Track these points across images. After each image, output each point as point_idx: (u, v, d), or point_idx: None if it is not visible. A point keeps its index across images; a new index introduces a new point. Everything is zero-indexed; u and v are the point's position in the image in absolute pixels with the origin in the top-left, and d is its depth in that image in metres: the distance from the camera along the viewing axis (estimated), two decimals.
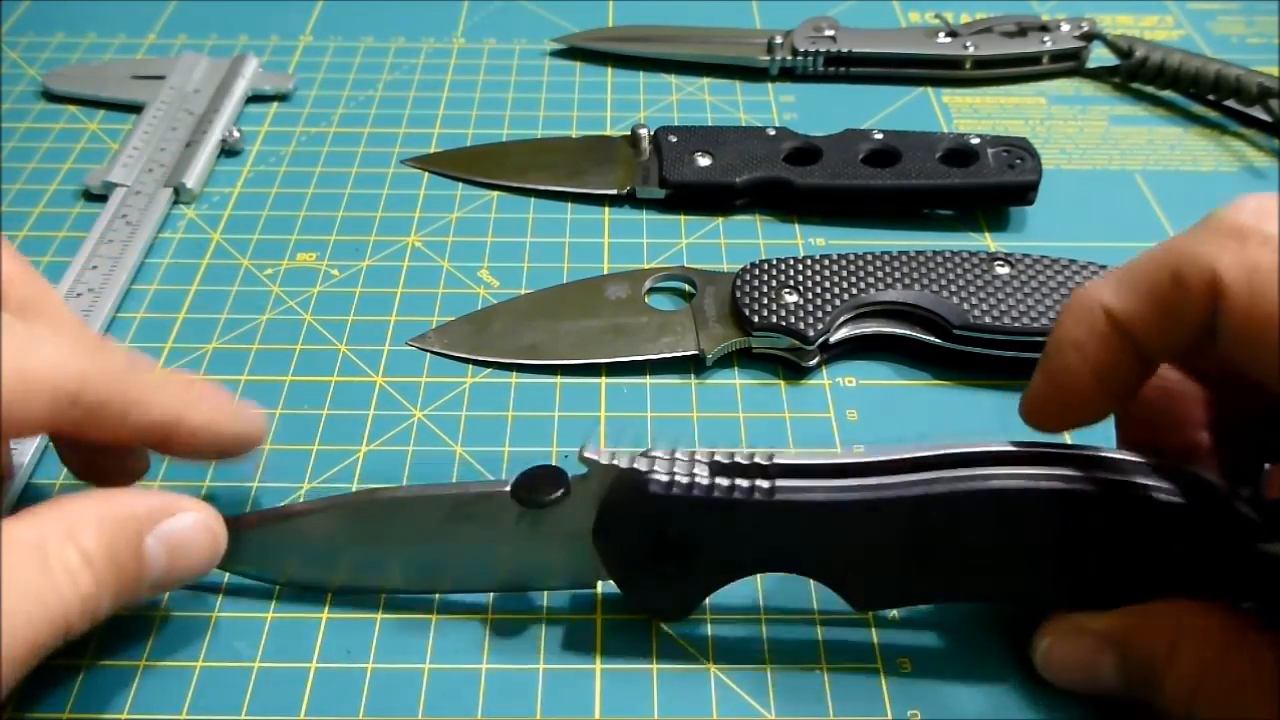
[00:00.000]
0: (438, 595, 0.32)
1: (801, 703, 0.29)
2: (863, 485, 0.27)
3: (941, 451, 0.28)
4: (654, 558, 0.29)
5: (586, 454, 0.28)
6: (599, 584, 0.31)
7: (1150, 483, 0.27)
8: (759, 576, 0.32)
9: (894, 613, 0.31)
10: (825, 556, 0.29)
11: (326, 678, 0.30)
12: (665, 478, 0.28)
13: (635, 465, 0.28)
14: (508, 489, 0.29)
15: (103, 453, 0.30)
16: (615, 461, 0.28)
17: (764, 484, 0.28)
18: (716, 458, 0.28)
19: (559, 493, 0.28)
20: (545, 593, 0.32)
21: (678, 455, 0.28)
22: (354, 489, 0.34)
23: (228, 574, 0.32)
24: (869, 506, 0.27)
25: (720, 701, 0.29)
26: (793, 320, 0.38)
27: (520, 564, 0.31)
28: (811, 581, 0.32)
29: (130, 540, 0.26)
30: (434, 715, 0.29)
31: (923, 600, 0.30)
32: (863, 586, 0.29)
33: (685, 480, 0.28)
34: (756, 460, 0.28)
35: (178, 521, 0.27)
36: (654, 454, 0.28)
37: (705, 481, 0.28)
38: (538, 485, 0.29)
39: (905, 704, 0.29)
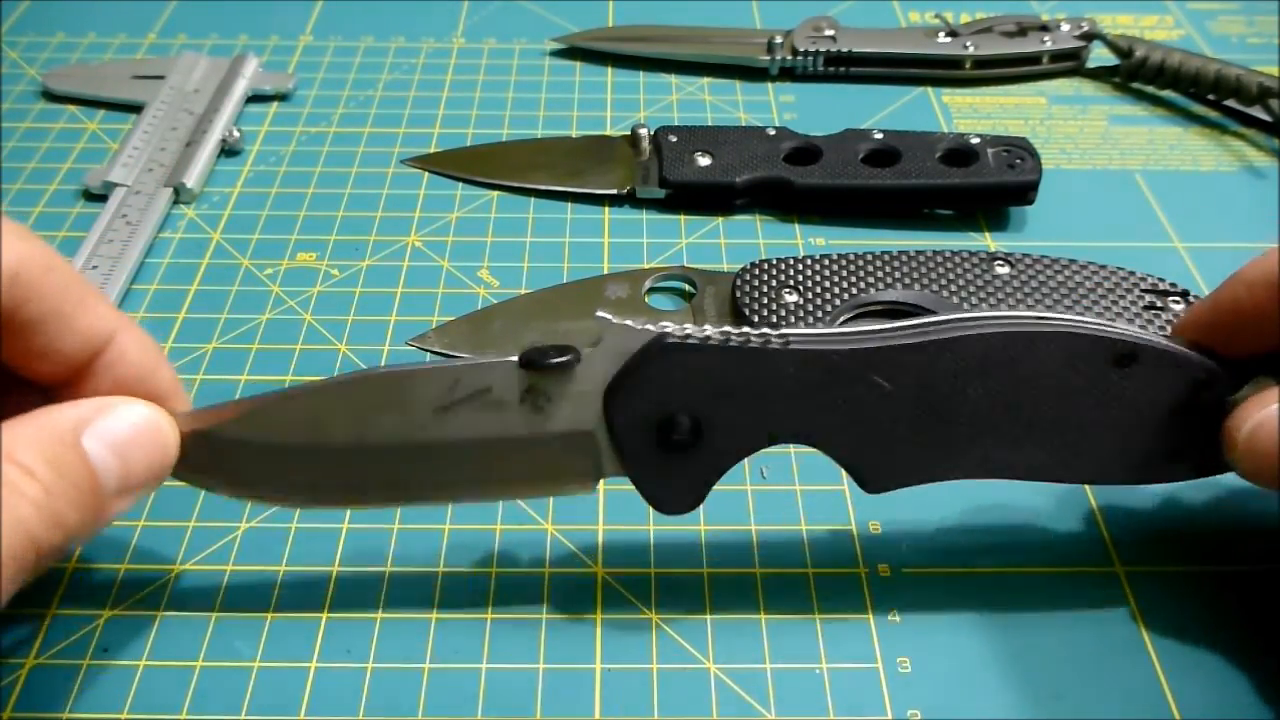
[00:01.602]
0: (437, 593, 0.32)
1: (801, 703, 0.29)
2: (871, 333, 0.28)
3: (948, 317, 0.29)
4: (663, 429, 0.28)
5: (599, 314, 0.28)
6: (602, 482, 0.30)
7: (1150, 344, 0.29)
8: (759, 575, 0.32)
9: (894, 613, 0.31)
10: (836, 419, 0.29)
11: (326, 678, 0.30)
12: (680, 333, 0.28)
13: (648, 327, 0.28)
14: (514, 359, 0.28)
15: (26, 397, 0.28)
16: (627, 322, 0.28)
17: (778, 338, 0.28)
18: (727, 330, 0.28)
19: (569, 356, 0.28)
20: (545, 591, 0.32)
21: (689, 326, 0.28)
22: None
23: (228, 571, 0.32)
24: (877, 357, 0.28)
25: (720, 701, 0.29)
26: (793, 320, 0.38)
27: (519, 462, 0.29)
28: (812, 579, 0.32)
29: (68, 445, 0.25)
30: (434, 715, 0.29)
31: (931, 478, 0.30)
32: (874, 457, 0.29)
33: (700, 335, 0.28)
34: (766, 330, 0.28)
35: (113, 419, 0.26)
36: (664, 323, 0.28)
37: (720, 338, 0.28)
38: (546, 351, 0.28)
39: (905, 704, 0.29)
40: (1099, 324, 0.28)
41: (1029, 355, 0.28)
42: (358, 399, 0.29)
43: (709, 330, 0.28)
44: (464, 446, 0.29)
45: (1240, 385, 0.29)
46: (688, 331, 0.28)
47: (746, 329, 0.28)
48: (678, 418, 0.28)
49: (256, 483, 0.30)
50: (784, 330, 0.28)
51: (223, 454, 0.29)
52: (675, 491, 0.29)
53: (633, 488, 0.30)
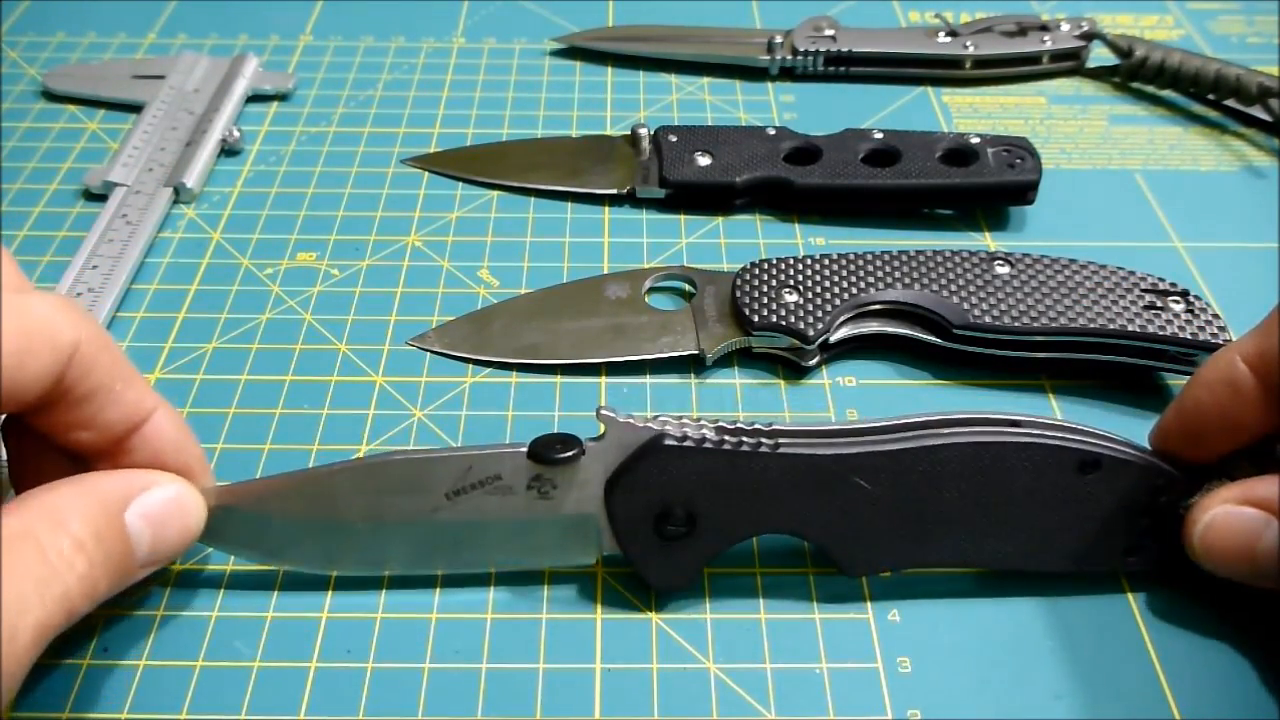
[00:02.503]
0: (437, 593, 0.32)
1: (801, 703, 0.29)
2: (854, 442, 0.30)
3: (927, 418, 0.31)
4: (660, 519, 0.30)
5: (603, 411, 0.30)
6: (599, 555, 0.32)
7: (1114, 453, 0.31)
8: (759, 575, 0.32)
9: (894, 612, 0.31)
10: (821, 515, 0.30)
11: (326, 678, 0.30)
12: (678, 433, 0.30)
13: (648, 424, 0.30)
14: (523, 450, 0.30)
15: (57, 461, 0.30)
16: (630, 420, 0.30)
17: (768, 441, 0.30)
18: (721, 424, 0.30)
19: (574, 451, 0.30)
20: (545, 591, 0.32)
21: (685, 420, 0.30)
22: None
23: (228, 571, 0.32)
24: (860, 461, 0.30)
25: (720, 701, 0.29)
26: (793, 320, 0.38)
27: (523, 541, 0.31)
28: (812, 578, 0.32)
29: (113, 519, 0.27)
30: (434, 715, 0.29)
31: (907, 565, 0.32)
32: (855, 548, 0.31)
33: (696, 436, 0.30)
34: (758, 426, 0.30)
35: (153, 495, 0.28)
36: (664, 418, 0.30)
37: (714, 438, 0.30)
38: (552, 444, 0.30)
39: (905, 704, 0.29)
40: (1065, 435, 0.31)
41: (1000, 462, 0.30)
42: (375, 482, 0.31)
43: (705, 431, 0.30)
44: (474, 526, 0.31)
45: (1195, 490, 0.31)
46: (685, 432, 0.30)
47: (741, 427, 0.30)
48: (673, 510, 0.30)
49: (279, 553, 0.31)
50: (774, 427, 0.30)
51: (247, 528, 0.31)
52: (669, 573, 0.31)
53: None
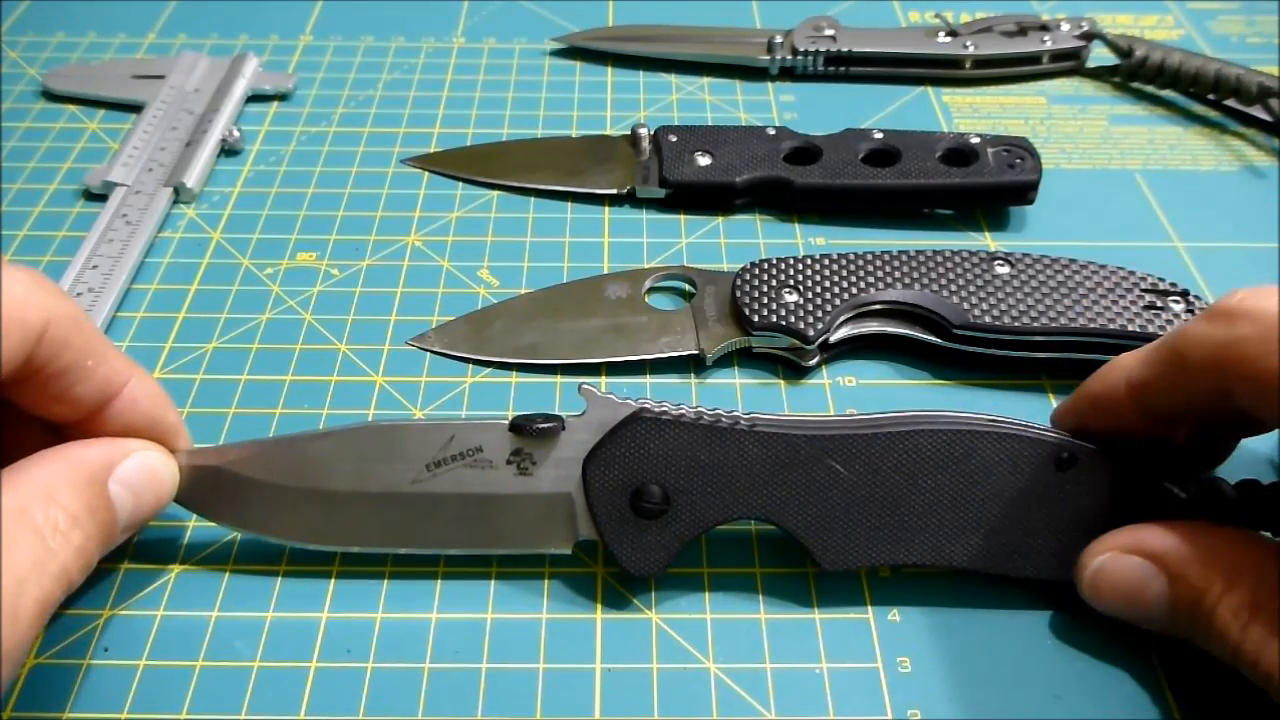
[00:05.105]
0: (437, 593, 0.32)
1: (801, 703, 0.29)
2: (831, 422, 0.31)
3: (910, 414, 0.31)
4: (635, 496, 0.30)
5: (585, 387, 0.31)
6: (575, 540, 0.32)
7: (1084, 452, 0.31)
8: (759, 575, 0.32)
9: (894, 613, 0.31)
10: (795, 499, 0.30)
11: (326, 678, 0.30)
12: (657, 409, 0.31)
13: (629, 402, 0.31)
14: (505, 422, 0.31)
15: (34, 428, 0.30)
16: (610, 395, 0.31)
17: (745, 419, 0.31)
18: (701, 409, 0.31)
19: (554, 423, 0.31)
20: (545, 591, 0.32)
21: (667, 404, 0.31)
22: None
23: (228, 571, 0.32)
24: (834, 444, 0.30)
25: (720, 701, 0.29)
26: (793, 320, 0.38)
27: (502, 519, 0.31)
28: (812, 578, 0.32)
29: (100, 491, 0.27)
30: (434, 715, 0.29)
31: (882, 561, 0.31)
32: (830, 538, 0.31)
33: (675, 412, 0.31)
34: (737, 413, 0.31)
35: (131, 463, 0.29)
36: (645, 401, 0.31)
37: (692, 415, 0.31)
38: (533, 418, 0.31)
39: (905, 704, 0.29)
40: (1043, 429, 0.31)
41: (977, 453, 0.31)
42: (358, 448, 0.31)
43: (684, 409, 0.31)
44: (453, 500, 0.31)
45: (1188, 485, 0.31)
46: (664, 408, 0.31)
47: (720, 411, 0.31)
48: (649, 487, 0.31)
49: (259, 519, 0.31)
50: (754, 414, 0.31)
51: (228, 491, 0.31)
52: (643, 556, 0.31)
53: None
